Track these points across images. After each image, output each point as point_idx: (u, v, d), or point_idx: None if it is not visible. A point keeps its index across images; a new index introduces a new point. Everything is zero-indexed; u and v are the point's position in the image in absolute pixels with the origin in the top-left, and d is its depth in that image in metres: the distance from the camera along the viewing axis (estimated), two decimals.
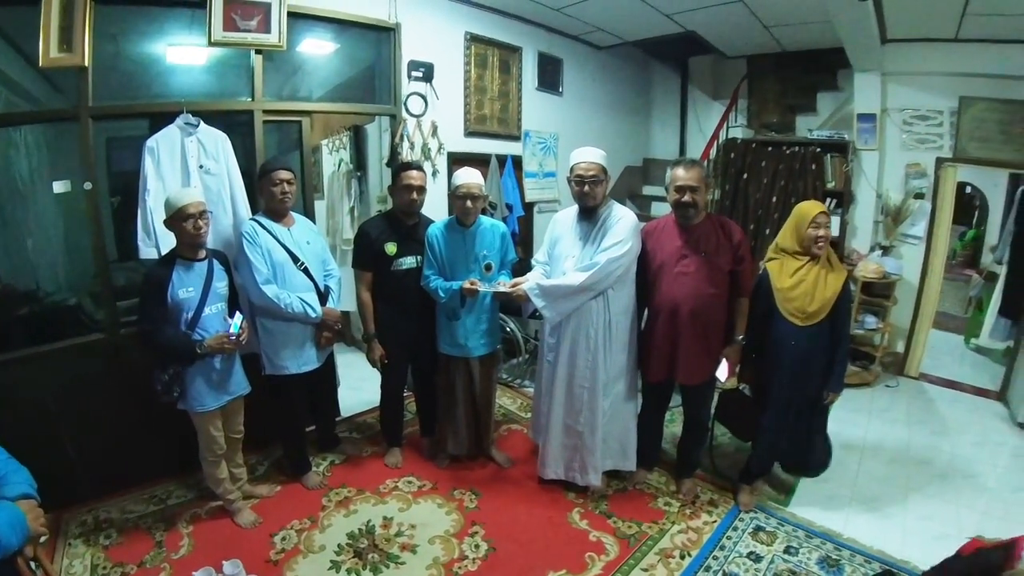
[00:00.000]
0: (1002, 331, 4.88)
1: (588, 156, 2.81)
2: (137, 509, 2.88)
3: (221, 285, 2.58)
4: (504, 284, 2.95)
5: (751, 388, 3.05)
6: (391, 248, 3.01)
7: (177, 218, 2.40)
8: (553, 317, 2.84)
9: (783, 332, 2.75)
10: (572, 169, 2.83)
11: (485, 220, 3.08)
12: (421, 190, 3.03)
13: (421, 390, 3.46)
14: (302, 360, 2.91)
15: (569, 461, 3.05)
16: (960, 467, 3.52)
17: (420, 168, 3.07)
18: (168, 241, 2.64)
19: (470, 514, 2.90)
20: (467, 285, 2.88)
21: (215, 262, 2.59)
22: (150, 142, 2.83)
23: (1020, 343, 4.48)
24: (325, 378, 3.24)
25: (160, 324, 2.40)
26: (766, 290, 2.80)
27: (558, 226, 3.01)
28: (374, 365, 3.16)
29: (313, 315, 2.83)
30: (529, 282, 2.86)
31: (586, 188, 2.78)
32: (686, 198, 2.71)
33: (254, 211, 3.05)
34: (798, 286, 2.71)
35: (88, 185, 2.78)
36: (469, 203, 2.94)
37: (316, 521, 2.80)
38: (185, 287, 2.44)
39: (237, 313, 2.58)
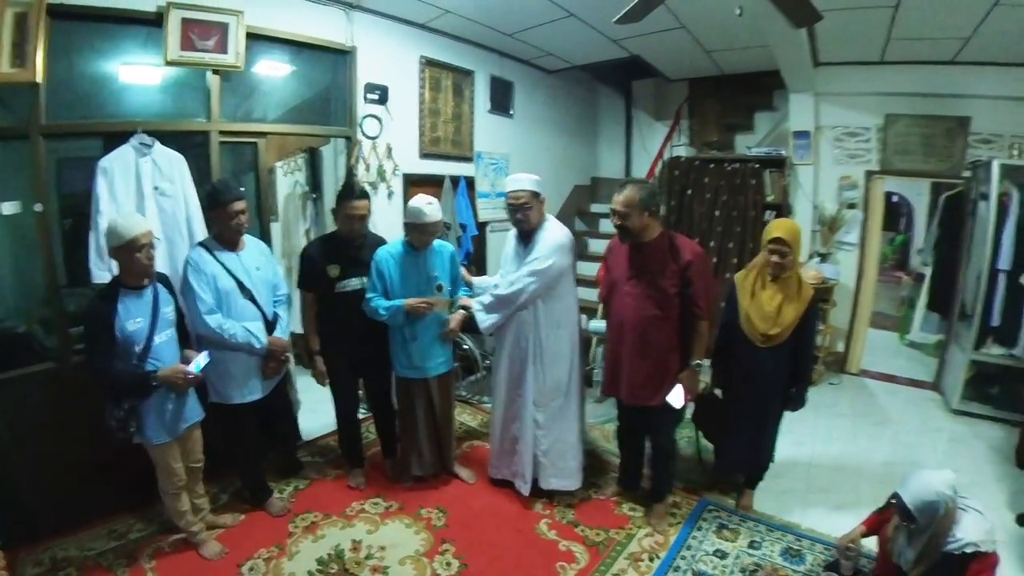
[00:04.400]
0: (932, 325, 5.25)
1: (518, 184, 2.90)
2: (96, 546, 2.74)
3: (168, 310, 2.48)
4: (458, 315, 3.12)
5: (722, 391, 3.10)
6: (334, 271, 2.99)
7: (129, 249, 2.27)
8: (486, 327, 3.02)
9: (745, 348, 2.82)
10: (507, 196, 2.94)
11: (434, 242, 3.10)
12: (364, 218, 3.03)
13: (377, 411, 3.43)
14: (247, 390, 2.82)
15: (508, 465, 3.21)
16: (903, 453, 3.75)
17: (365, 196, 3.04)
18: None
19: (439, 532, 2.89)
20: (412, 303, 2.90)
21: (159, 287, 2.48)
22: (103, 162, 2.75)
23: (949, 336, 4.84)
24: (278, 405, 3.12)
25: (110, 360, 2.28)
26: (733, 301, 2.87)
27: (508, 243, 3.14)
28: (319, 382, 3.17)
29: (258, 346, 2.75)
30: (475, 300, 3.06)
31: (519, 215, 2.90)
32: (615, 221, 2.69)
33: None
34: (761, 308, 2.75)
35: (39, 207, 2.69)
36: (433, 236, 2.98)
37: (284, 548, 2.73)
38: (133, 319, 2.32)
39: (205, 353, 2.50)
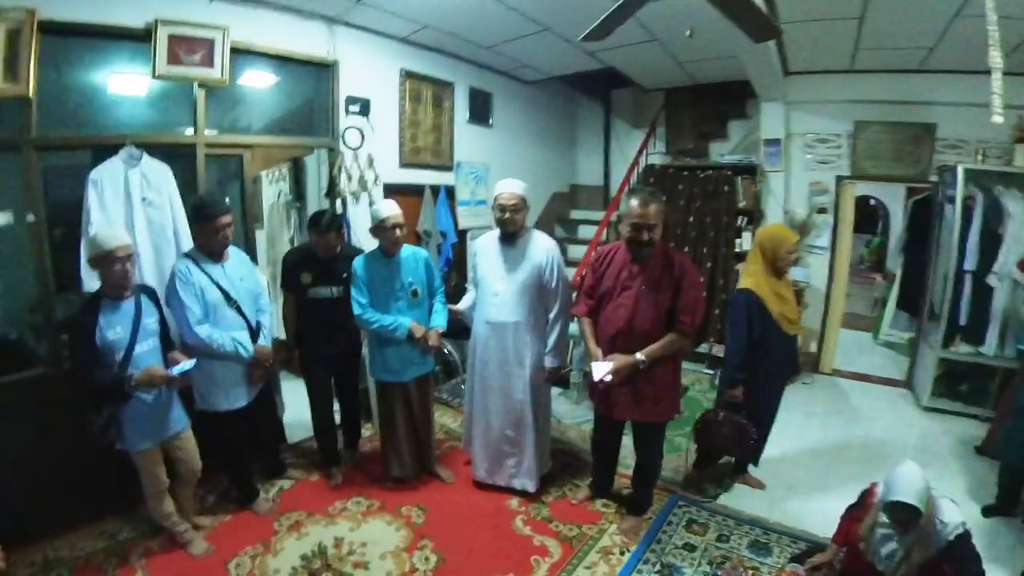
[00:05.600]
0: (902, 323, 5.37)
1: (510, 187, 3.03)
2: (87, 546, 2.79)
3: (151, 321, 2.52)
4: (437, 335, 3.19)
5: (736, 405, 3.05)
6: (306, 278, 3.19)
7: (104, 261, 2.34)
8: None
9: (779, 344, 3.00)
10: (496, 199, 3.05)
11: (407, 248, 3.20)
12: (332, 247, 3.23)
13: (343, 404, 3.62)
14: (233, 397, 2.89)
15: (503, 468, 3.27)
16: (874, 449, 3.84)
17: (332, 228, 3.21)
18: None
19: (418, 529, 2.97)
20: (419, 332, 3.06)
21: (143, 297, 2.53)
22: (94, 174, 2.83)
23: (919, 335, 4.97)
24: (262, 410, 3.18)
25: (91, 368, 2.33)
26: (759, 311, 2.92)
27: (479, 251, 3.23)
28: (296, 374, 3.36)
29: (245, 355, 2.82)
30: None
31: (507, 215, 3.01)
32: (643, 236, 2.62)
33: None
34: (787, 303, 3.00)
35: (31, 217, 2.75)
36: (399, 232, 3.05)
37: (269, 546, 2.80)
38: (113, 328, 2.37)
39: (193, 360, 2.54)
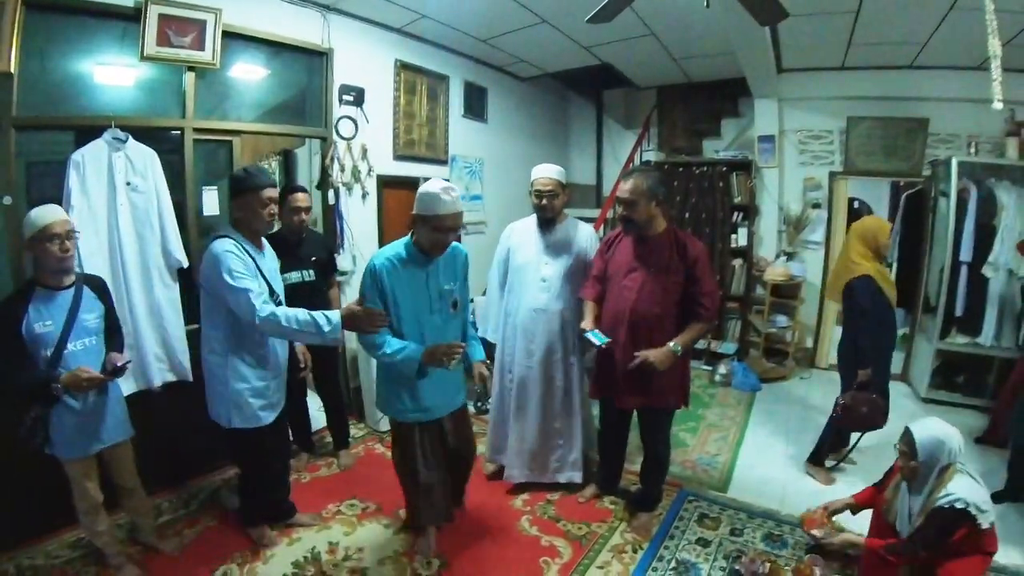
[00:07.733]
0: (897, 320, 5.38)
1: (545, 172, 2.97)
2: (63, 554, 2.61)
3: (91, 317, 2.22)
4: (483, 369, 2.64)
5: (865, 384, 3.07)
6: None
7: (41, 239, 2.07)
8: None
9: (893, 321, 3.21)
10: (532, 184, 3.00)
11: None
12: (308, 211, 3.21)
13: (327, 401, 3.54)
14: (275, 401, 2.53)
15: (548, 463, 3.18)
16: (875, 441, 3.78)
17: (304, 190, 3.22)
18: (92, 262, 2.52)
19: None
20: (435, 353, 2.25)
21: (85, 289, 2.23)
22: (76, 156, 2.67)
23: (915, 329, 5.01)
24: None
25: (13, 363, 2.06)
26: (885, 297, 3.07)
27: (517, 236, 3.15)
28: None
29: (327, 328, 2.15)
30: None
31: (544, 201, 2.96)
32: (621, 212, 2.62)
33: (182, 231, 3.03)
34: (892, 285, 3.16)
35: (8, 199, 2.57)
36: (452, 235, 2.36)
37: (258, 553, 2.64)
38: (43, 320, 2.09)
39: (125, 357, 2.26)
